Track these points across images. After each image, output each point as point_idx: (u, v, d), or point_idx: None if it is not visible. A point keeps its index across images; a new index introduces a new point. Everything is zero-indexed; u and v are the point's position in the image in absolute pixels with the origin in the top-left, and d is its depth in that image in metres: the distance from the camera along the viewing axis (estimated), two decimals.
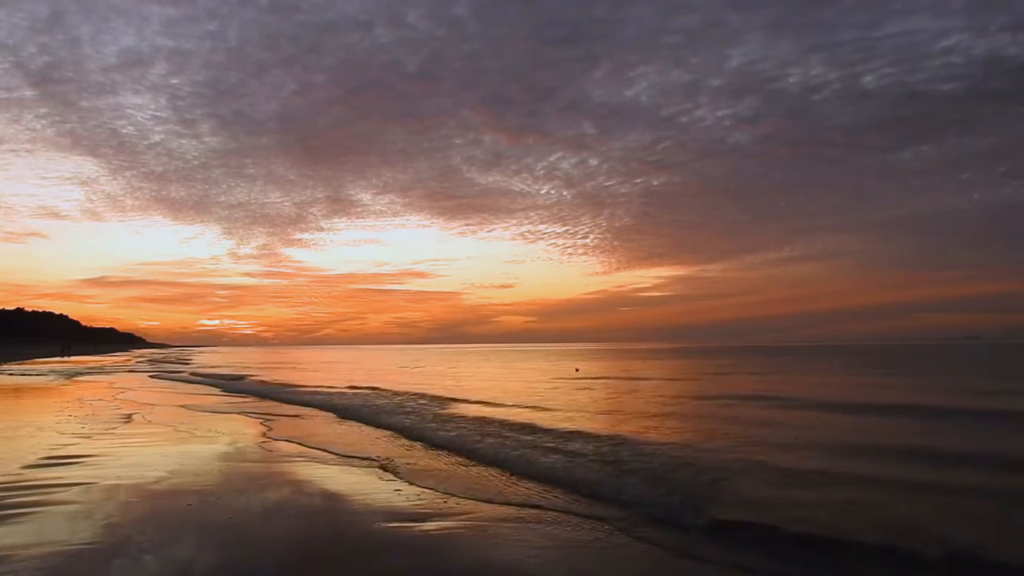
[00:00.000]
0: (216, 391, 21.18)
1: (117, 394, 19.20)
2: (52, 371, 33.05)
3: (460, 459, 8.43)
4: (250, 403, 16.84)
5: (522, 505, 6.12)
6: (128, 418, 12.96)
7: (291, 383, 23.49)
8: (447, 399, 15.83)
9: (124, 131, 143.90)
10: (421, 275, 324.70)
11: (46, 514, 5.67)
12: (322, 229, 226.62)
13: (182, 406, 15.75)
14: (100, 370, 36.17)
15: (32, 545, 4.82)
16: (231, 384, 23.52)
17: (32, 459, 8.17)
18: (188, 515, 5.69)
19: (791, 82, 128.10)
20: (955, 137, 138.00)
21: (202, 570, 4.37)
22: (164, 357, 70.85)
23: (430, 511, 5.88)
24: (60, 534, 5.10)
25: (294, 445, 9.68)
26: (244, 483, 7.00)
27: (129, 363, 49.36)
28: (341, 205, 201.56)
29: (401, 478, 7.28)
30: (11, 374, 30.19)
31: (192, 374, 31.41)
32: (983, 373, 27.15)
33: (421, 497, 6.42)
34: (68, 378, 27.35)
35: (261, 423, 12.52)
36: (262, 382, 24.28)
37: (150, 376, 30.63)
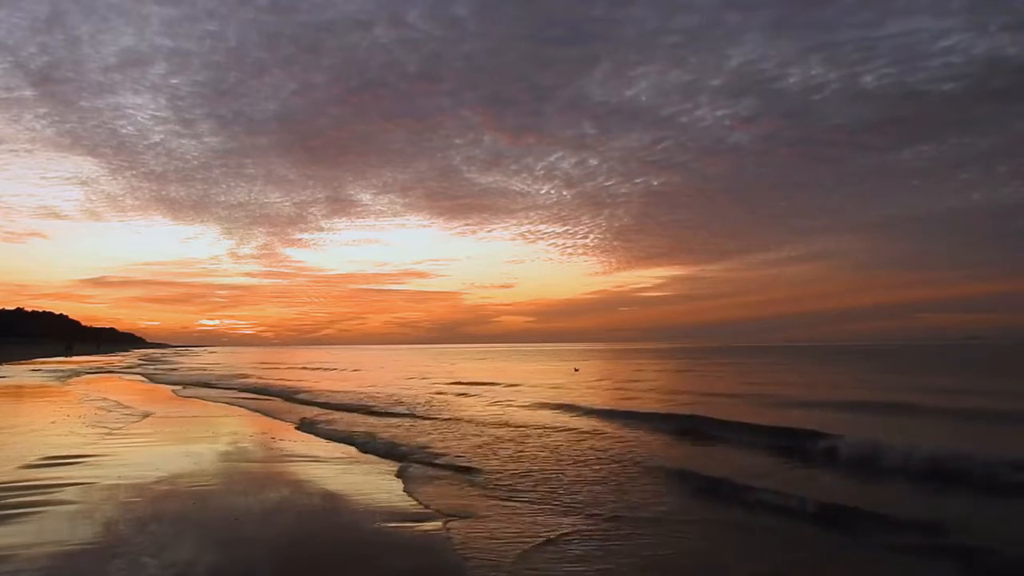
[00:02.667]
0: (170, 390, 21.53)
1: (95, 395, 19.27)
2: (60, 370, 33.17)
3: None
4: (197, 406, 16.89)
5: None
6: (109, 418, 13.03)
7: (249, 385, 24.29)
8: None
9: (124, 131, 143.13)
10: (421, 275, 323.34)
11: (47, 514, 5.72)
12: (322, 229, 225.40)
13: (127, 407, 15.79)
14: (99, 370, 36.29)
15: (33, 545, 4.87)
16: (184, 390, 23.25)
17: (31, 459, 8.24)
18: (190, 509, 5.78)
19: (791, 82, 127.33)
20: (955, 137, 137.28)
21: (198, 566, 4.45)
22: (150, 357, 70.96)
23: (428, 510, 5.97)
24: (60, 534, 5.15)
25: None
26: (200, 476, 7.08)
27: (122, 363, 49.48)
28: (341, 205, 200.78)
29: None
30: (6, 376, 30.25)
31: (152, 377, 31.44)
32: (939, 375, 26.45)
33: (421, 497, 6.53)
34: (69, 378, 27.44)
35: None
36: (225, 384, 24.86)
37: (120, 376, 30.80)
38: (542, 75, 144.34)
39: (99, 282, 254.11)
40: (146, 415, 13.75)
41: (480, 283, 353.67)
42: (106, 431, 11.05)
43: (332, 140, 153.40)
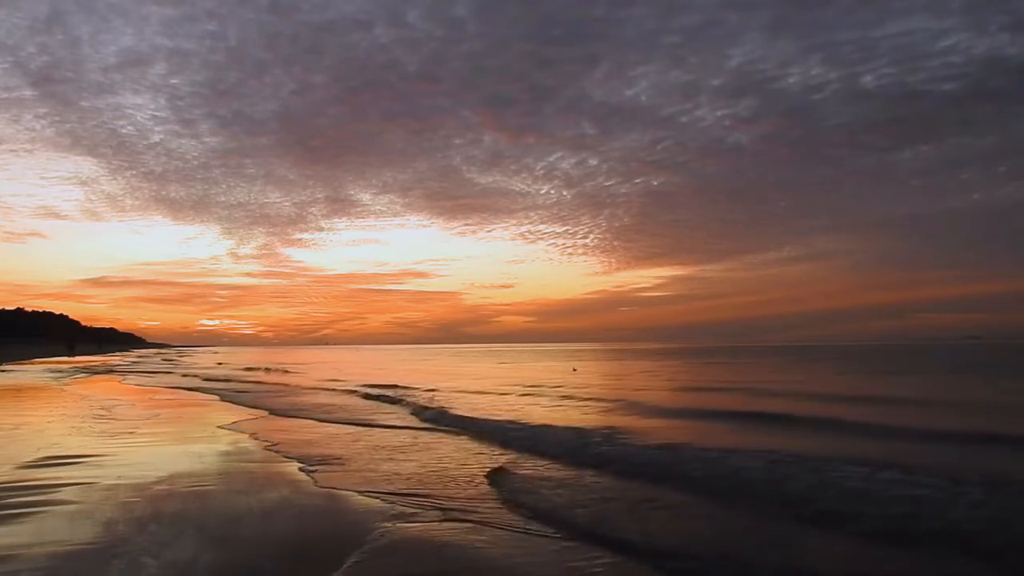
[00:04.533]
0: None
1: (93, 395, 19.28)
2: (61, 370, 33.20)
3: None
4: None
5: None
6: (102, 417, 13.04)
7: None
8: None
9: (124, 131, 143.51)
10: (421, 275, 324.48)
11: (46, 514, 5.72)
12: (322, 229, 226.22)
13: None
14: (99, 370, 36.30)
15: (33, 545, 4.87)
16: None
17: (30, 459, 8.24)
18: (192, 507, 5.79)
19: (791, 82, 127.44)
20: (955, 137, 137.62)
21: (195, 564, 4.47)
22: (144, 357, 71.06)
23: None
24: (60, 534, 5.15)
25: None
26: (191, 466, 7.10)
27: (120, 363, 49.51)
28: (341, 205, 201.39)
29: None
30: (6, 375, 30.25)
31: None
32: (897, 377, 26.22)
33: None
34: (69, 377, 27.47)
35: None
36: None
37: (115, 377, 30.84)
38: (542, 75, 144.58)
39: (99, 282, 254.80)
40: (147, 416, 13.78)
41: (480, 283, 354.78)
42: (95, 431, 11.07)
43: (332, 140, 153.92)
